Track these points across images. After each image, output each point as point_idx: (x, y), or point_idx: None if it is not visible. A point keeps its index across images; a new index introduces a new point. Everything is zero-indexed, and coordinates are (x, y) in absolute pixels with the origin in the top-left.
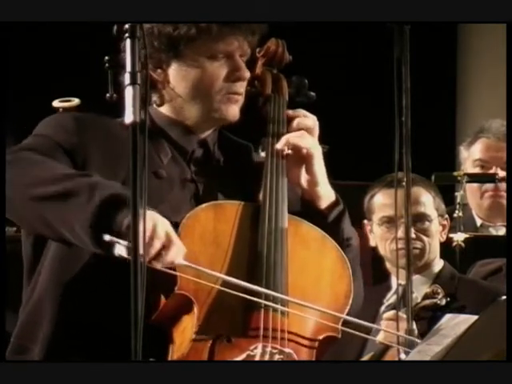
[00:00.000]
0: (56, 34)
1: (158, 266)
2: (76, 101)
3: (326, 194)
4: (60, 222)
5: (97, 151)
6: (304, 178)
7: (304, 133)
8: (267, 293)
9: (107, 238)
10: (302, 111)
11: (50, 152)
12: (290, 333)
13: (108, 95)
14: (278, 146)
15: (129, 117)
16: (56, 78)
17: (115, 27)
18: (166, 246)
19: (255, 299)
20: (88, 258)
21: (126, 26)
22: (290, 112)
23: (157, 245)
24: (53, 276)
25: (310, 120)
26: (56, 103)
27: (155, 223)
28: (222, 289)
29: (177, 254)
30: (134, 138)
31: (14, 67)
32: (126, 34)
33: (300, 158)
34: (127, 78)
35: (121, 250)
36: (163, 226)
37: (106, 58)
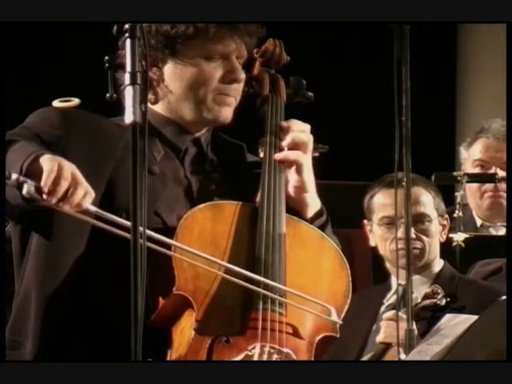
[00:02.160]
0: (56, 34)
1: (66, 208)
2: (76, 101)
3: (313, 203)
4: None
5: (80, 147)
6: (292, 186)
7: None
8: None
9: (14, 176)
10: (295, 123)
11: (27, 141)
12: (288, 332)
13: (108, 95)
14: (277, 157)
15: (129, 117)
16: (56, 78)
17: (115, 27)
18: (72, 186)
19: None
20: (77, 251)
21: (126, 26)
22: (285, 124)
23: (63, 184)
24: (37, 269)
25: (305, 135)
26: (56, 103)
27: (60, 163)
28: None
29: (84, 197)
30: (134, 138)
31: (13, 67)
32: (126, 34)
33: (289, 167)
34: (127, 78)
35: (29, 189)
36: (69, 167)
37: (106, 57)
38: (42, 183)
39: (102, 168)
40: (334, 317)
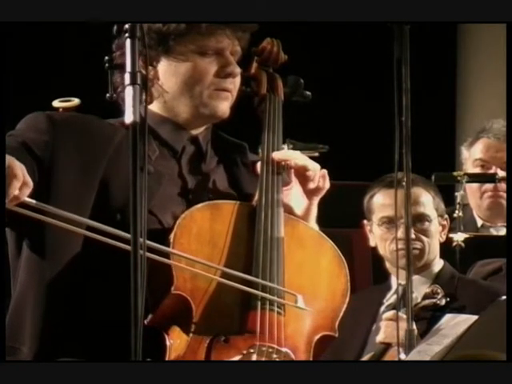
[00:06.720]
0: (56, 33)
1: (10, 204)
2: (76, 101)
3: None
4: None
5: (69, 149)
6: (303, 211)
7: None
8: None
9: None
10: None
11: (14, 151)
12: (286, 332)
13: (108, 95)
14: (275, 156)
15: (129, 117)
16: (56, 77)
17: (115, 27)
18: (22, 186)
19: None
20: (72, 252)
21: (126, 26)
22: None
23: (16, 185)
24: (31, 274)
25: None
26: (56, 103)
27: (11, 163)
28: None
29: (21, 189)
30: (133, 139)
31: (13, 67)
32: (126, 34)
33: (310, 191)
34: (127, 78)
35: None
36: (19, 166)
37: (106, 57)
38: None
39: (94, 169)
40: (301, 303)
